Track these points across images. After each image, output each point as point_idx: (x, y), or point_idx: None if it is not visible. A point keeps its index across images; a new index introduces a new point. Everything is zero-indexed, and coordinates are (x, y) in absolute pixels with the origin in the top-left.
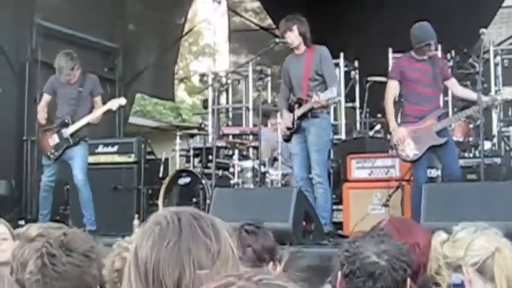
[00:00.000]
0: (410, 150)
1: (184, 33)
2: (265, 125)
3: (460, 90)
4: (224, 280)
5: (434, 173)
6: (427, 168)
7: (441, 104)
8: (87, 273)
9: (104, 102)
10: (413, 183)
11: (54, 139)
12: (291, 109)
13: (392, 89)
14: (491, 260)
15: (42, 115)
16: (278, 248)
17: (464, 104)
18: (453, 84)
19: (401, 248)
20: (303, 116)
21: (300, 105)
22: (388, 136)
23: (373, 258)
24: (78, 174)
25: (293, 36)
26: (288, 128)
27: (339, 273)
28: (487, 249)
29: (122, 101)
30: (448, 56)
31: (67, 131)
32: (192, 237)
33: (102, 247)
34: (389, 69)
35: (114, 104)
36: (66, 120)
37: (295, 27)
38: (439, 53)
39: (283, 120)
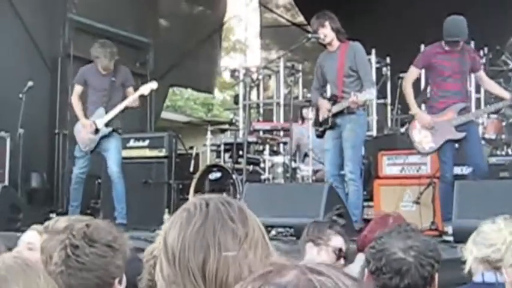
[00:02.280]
0: (427, 143)
1: (220, 26)
2: (296, 121)
3: (488, 84)
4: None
5: (466, 170)
6: (460, 165)
7: (468, 96)
8: (111, 263)
9: None
10: (440, 178)
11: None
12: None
13: (412, 74)
14: None
15: (79, 108)
16: (328, 236)
17: (497, 102)
18: (481, 77)
19: (428, 244)
20: (339, 113)
21: (335, 102)
22: (406, 126)
23: (399, 255)
24: (113, 166)
25: (326, 32)
26: (324, 121)
27: (366, 270)
28: None
29: (154, 85)
30: (481, 52)
31: (102, 121)
32: (217, 220)
33: (126, 237)
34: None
35: (146, 88)
36: (101, 111)
37: (327, 23)
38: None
39: (322, 105)
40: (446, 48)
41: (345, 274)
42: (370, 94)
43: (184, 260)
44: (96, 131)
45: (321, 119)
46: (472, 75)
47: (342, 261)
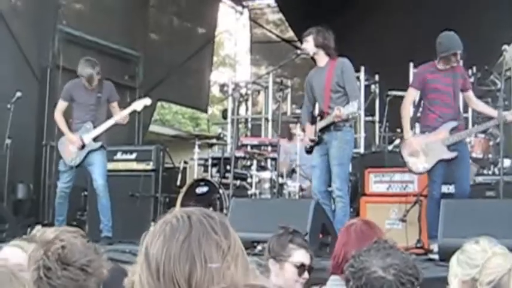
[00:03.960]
0: (421, 163)
1: (209, 42)
2: (283, 137)
3: (476, 104)
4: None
5: (452, 189)
6: (446, 183)
7: (460, 115)
8: (83, 287)
9: (123, 109)
10: (428, 195)
11: (75, 145)
12: (313, 121)
13: (411, 96)
14: (507, 277)
15: (63, 124)
16: (288, 251)
17: (485, 121)
18: (470, 97)
19: (407, 261)
20: (326, 129)
21: (322, 117)
22: (396, 143)
23: (379, 273)
24: (99, 180)
25: (307, 46)
26: (311, 141)
27: None
28: (502, 267)
29: (147, 101)
30: (470, 72)
31: (90, 136)
32: (202, 233)
33: (104, 259)
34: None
35: (139, 104)
36: (88, 126)
37: (310, 38)
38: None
39: (307, 132)
40: (440, 66)
41: None
42: (352, 107)
43: (169, 272)
44: (83, 146)
45: (313, 138)
46: (461, 95)
47: (305, 275)
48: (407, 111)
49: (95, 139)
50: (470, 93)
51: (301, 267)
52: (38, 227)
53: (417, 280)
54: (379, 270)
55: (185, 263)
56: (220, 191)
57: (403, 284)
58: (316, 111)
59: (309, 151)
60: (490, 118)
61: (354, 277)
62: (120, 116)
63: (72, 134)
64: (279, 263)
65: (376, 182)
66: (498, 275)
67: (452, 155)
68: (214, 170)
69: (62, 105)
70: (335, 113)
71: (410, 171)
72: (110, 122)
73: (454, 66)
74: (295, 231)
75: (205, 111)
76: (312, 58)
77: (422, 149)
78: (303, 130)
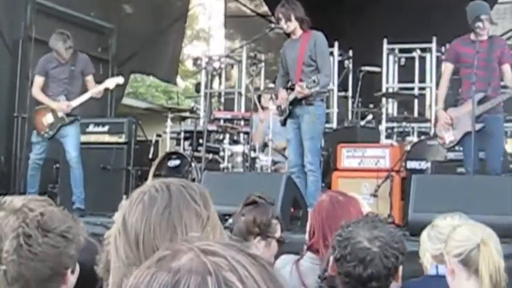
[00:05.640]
0: (448, 136)
1: (183, 15)
2: (256, 110)
3: (508, 79)
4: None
5: (424, 164)
6: (418, 159)
7: (493, 87)
8: (64, 253)
9: (97, 82)
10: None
11: (48, 118)
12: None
13: (447, 70)
14: (476, 251)
15: (43, 96)
16: (274, 226)
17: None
18: (504, 71)
19: (394, 235)
20: (297, 103)
21: (293, 90)
22: (367, 119)
23: (364, 244)
24: (72, 152)
25: (292, 25)
26: (278, 107)
27: (331, 258)
28: (471, 241)
29: (120, 79)
30: (443, 49)
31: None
32: (182, 202)
33: (81, 226)
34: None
35: (111, 82)
36: (61, 100)
37: (292, 17)
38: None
39: (279, 97)
40: (473, 37)
41: (241, 251)
42: (316, 86)
43: (149, 241)
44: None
45: (276, 104)
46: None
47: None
48: (441, 87)
49: (68, 113)
50: (505, 67)
51: (281, 242)
52: (7, 197)
53: (402, 255)
54: (364, 241)
55: (166, 233)
56: (193, 164)
57: (386, 257)
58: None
59: (283, 123)
60: None
61: (340, 246)
62: (93, 92)
63: (55, 102)
64: (266, 241)
65: (348, 157)
66: (467, 248)
67: (478, 126)
68: (187, 143)
69: (38, 80)
70: (297, 89)
71: (441, 145)
72: (85, 96)
73: (491, 37)
74: (271, 203)
75: (175, 83)
76: (286, 33)
77: (451, 122)
78: (276, 96)
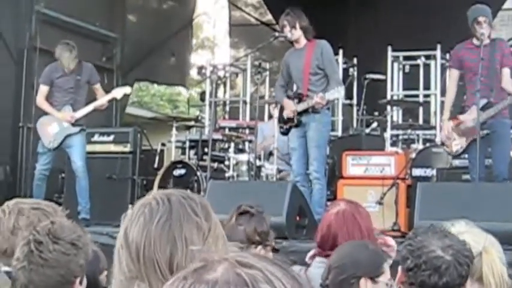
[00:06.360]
0: (455, 145)
1: (188, 23)
2: (262, 119)
3: (506, 82)
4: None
5: (429, 172)
6: (423, 167)
7: (497, 91)
8: (73, 261)
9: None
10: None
11: (54, 127)
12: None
13: (452, 76)
14: (478, 259)
15: (48, 106)
16: (272, 235)
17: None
18: (503, 75)
19: (464, 244)
20: (304, 111)
21: (300, 100)
22: (372, 126)
23: (438, 253)
24: (78, 161)
25: (297, 33)
26: (288, 119)
27: (399, 268)
28: (473, 249)
29: (127, 89)
30: (448, 56)
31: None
32: (182, 215)
33: (89, 237)
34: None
35: (118, 92)
36: (67, 109)
37: (297, 25)
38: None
39: (287, 107)
40: (475, 42)
41: (274, 264)
42: (338, 93)
43: (150, 254)
44: (76, 120)
45: (285, 116)
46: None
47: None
48: (448, 94)
49: (73, 123)
50: (504, 70)
51: (276, 250)
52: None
53: (472, 263)
54: (438, 250)
55: (166, 246)
56: (198, 173)
57: (460, 265)
58: (291, 92)
59: (285, 133)
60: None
61: (413, 255)
62: (99, 103)
63: (60, 112)
64: (265, 249)
65: (353, 165)
66: None
67: (482, 133)
68: (192, 152)
69: (43, 89)
70: (316, 100)
71: (448, 153)
72: (88, 108)
73: (494, 40)
74: (262, 212)
75: (187, 88)
76: (290, 41)
77: (457, 130)
78: (281, 107)
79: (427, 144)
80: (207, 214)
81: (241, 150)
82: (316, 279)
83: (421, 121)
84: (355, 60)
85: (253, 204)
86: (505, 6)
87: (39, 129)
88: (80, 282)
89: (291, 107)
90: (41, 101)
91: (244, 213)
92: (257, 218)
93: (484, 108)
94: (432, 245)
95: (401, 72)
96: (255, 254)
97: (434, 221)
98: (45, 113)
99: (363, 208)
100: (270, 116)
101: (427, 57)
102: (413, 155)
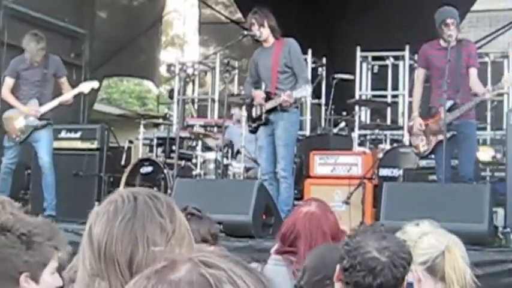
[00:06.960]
0: (422, 145)
1: (157, 20)
2: (230, 117)
3: (471, 81)
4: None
5: (396, 172)
6: (390, 167)
7: (462, 92)
8: (18, 256)
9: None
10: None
11: (20, 121)
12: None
13: (419, 76)
14: (441, 259)
15: (13, 99)
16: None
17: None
18: (470, 75)
19: (402, 245)
20: (272, 109)
21: (269, 98)
22: (341, 126)
23: (374, 254)
24: (45, 157)
25: (265, 32)
26: (257, 118)
27: (337, 267)
28: (436, 248)
29: (95, 84)
30: (416, 57)
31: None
32: (146, 215)
33: (63, 239)
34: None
35: (86, 86)
36: (34, 103)
37: (266, 24)
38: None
39: (256, 97)
40: (442, 43)
41: (238, 263)
42: (305, 91)
43: (111, 253)
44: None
45: (254, 115)
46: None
47: None
48: (415, 93)
49: (40, 117)
50: (471, 71)
51: None
52: None
53: (409, 265)
54: (373, 251)
55: (127, 245)
56: (165, 171)
57: (396, 267)
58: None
59: (253, 131)
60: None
61: (349, 255)
62: (65, 97)
63: (26, 106)
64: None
65: (320, 164)
66: (432, 256)
67: (449, 134)
68: (160, 150)
69: (8, 82)
70: (283, 98)
71: (416, 154)
72: (54, 103)
73: (460, 41)
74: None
75: (156, 85)
76: (257, 40)
77: (424, 131)
78: (250, 105)
79: (395, 145)
80: (173, 215)
81: (209, 149)
82: (272, 275)
83: (388, 121)
84: (324, 60)
85: (196, 207)
86: (473, 8)
87: (5, 122)
88: (35, 280)
89: (261, 96)
90: (6, 93)
91: (192, 215)
92: (206, 220)
93: (450, 110)
94: (368, 246)
95: (369, 73)
96: (220, 254)
97: (400, 221)
98: (11, 106)
99: (333, 213)
100: (231, 116)
101: (396, 57)
102: (380, 155)
